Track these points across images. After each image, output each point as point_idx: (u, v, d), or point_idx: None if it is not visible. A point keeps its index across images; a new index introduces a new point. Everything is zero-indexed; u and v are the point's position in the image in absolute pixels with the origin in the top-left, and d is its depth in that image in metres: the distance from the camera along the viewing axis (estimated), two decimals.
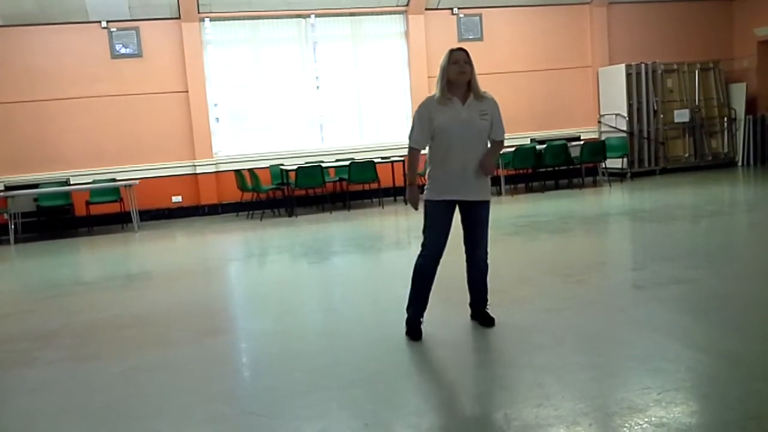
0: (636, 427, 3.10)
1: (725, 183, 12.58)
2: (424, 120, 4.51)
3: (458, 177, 4.52)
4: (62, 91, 12.28)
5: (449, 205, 4.58)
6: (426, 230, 4.64)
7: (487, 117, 4.60)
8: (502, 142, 4.74)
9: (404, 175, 4.62)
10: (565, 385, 3.59)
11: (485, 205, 4.68)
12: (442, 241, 4.63)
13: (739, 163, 14.71)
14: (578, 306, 5.09)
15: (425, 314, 4.69)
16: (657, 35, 14.77)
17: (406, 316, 4.69)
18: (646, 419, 3.14)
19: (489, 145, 4.65)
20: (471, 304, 4.86)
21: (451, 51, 4.53)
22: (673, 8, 14.86)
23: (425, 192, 4.60)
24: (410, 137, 4.59)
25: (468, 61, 4.52)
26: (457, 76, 4.47)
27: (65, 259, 9.62)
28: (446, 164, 4.52)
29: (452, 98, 4.51)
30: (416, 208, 4.66)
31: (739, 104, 14.63)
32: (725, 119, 14.63)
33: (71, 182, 12.29)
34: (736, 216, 9.46)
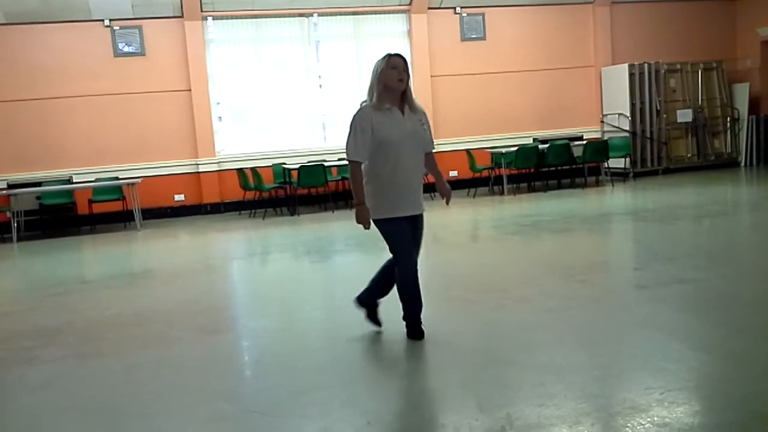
0: (638, 427, 3.09)
1: (728, 183, 12.56)
2: (366, 130, 4.21)
3: (408, 192, 4.35)
4: (65, 89, 12.29)
5: (406, 219, 4.41)
6: (396, 248, 4.42)
7: (426, 128, 4.45)
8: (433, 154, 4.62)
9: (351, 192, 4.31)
10: (568, 384, 3.59)
11: (423, 216, 4.58)
12: (413, 253, 4.50)
13: (742, 163, 14.68)
14: (581, 305, 5.08)
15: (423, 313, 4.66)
16: (660, 35, 14.76)
17: (404, 323, 4.59)
18: (648, 419, 3.14)
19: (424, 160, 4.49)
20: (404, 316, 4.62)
21: (389, 55, 4.32)
22: (676, 8, 14.84)
23: (371, 211, 4.33)
24: (349, 151, 4.25)
25: (406, 68, 4.32)
26: (397, 83, 4.24)
27: (68, 258, 9.63)
28: (395, 179, 4.29)
29: (391, 108, 4.28)
30: (368, 228, 4.38)
31: (742, 104, 14.61)
32: (728, 119, 14.61)
33: (74, 180, 12.30)
34: (738, 216, 9.45)
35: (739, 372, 3.64)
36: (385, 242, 4.48)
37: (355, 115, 4.30)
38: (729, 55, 15.07)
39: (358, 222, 4.35)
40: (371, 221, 4.36)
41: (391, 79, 4.26)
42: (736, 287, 5.33)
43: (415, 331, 4.55)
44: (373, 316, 4.80)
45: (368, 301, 4.78)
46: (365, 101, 4.36)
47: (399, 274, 4.48)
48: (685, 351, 4.00)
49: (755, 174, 13.50)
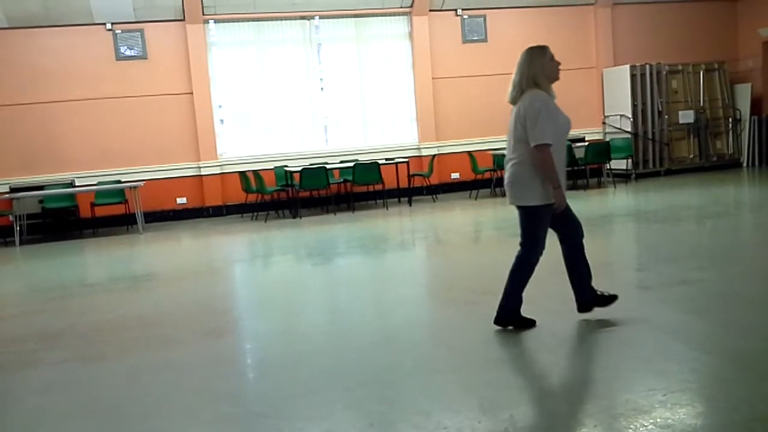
0: (641, 429, 3.09)
1: (730, 184, 12.55)
2: (553, 116, 4.32)
3: (564, 180, 4.46)
4: (67, 92, 12.32)
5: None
6: (538, 233, 4.47)
7: None
8: None
9: (540, 175, 4.25)
10: (570, 385, 3.59)
11: None
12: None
13: (744, 164, 14.67)
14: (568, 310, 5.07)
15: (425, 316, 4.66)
16: (661, 36, 14.75)
17: (508, 313, 4.58)
18: (651, 420, 3.14)
19: None
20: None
21: (547, 48, 4.46)
22: (678, 9, 14.83)
23: (538, 197, 4.37)
24: (544, 134, 4.26)
25: None
26: (557, 74, 4.44)
27: (70, 261, 9.64)
28: (560, 166, 4.40)
29: (553, 98, 4.43)
30: (562, 209, 4.43)
31: (744, 105, 14.59)
32: (730, 120, 14.60)
33: (76, 184, 12.32)
34: (741, 217, 9.44)
35: (741, 373, 3.64)
36: (522, 229, 4.53)
37: (537, 102, 4.33)
38: (730, 55, 15.06)
39: (559, 205, 4.38)
40: (526, 206, 4.43)
41: (554, 71, 4.45)
42: (738, 288, 5.33)
43: (522, 321, 4.59)
44: (604, 300, 4.70)
45: (588, 295, 4.69)
46: (518, 91, 4.43)
47: (531, 258, 4.53)
48: (688, 352, 4.00)
49: (757, 175, 13.48)
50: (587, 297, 4.67)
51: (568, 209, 4.55)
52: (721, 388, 3.48)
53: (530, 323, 4.60)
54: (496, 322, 4.60)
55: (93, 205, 12.03)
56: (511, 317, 4.61)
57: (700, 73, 14.35)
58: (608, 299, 4.69)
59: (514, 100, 4.49)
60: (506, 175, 4.56)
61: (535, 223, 4.47)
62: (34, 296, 7.36)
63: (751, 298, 4.99)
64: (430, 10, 13.55)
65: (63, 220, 12.35)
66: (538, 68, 4.41)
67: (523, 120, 4.33)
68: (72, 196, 12.12)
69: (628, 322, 4.65)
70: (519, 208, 4.51)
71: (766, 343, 4.06)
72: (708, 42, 14.97)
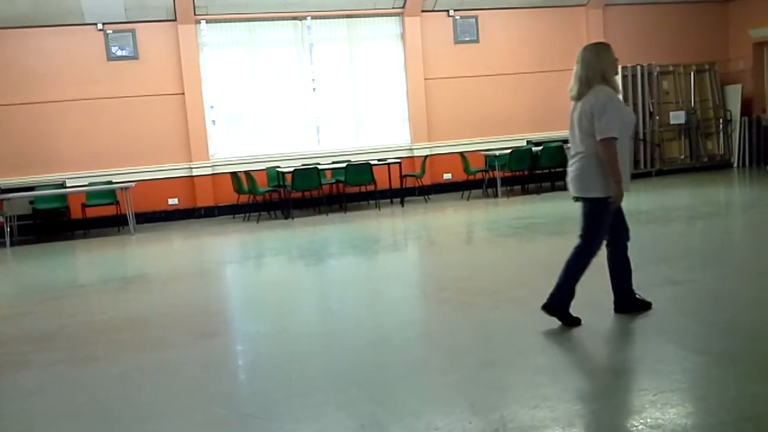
0: (632, 429, 3.11)
1: (721, 184, 12.61)
2: (619, 110, 4.40)
3: (627, 173, 4.52)
4: (58, 93, 12.26)
5: None
6: (600, 227, 4.55)
7: None
8: None
9: (602, 170, 4.38)
10: (562, 386, 3.60)
11: None
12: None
13: (735, 165, 14.73)
14: (574, 308, 5.08)
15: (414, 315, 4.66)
16: (653, 37, 14.79)
17: (556, 303, 4.59)
18: (641, 420, 3.15)
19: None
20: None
21: (609, 44, 4.53)
22: (669, 10, 14.89)
23: (603, 189, 4.43)
24: (611, 128, 4.33)
25: None
26: (617, 70, 4.55)
27: (61, 262, 9.61)
28: (624, 160, 4.47)
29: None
30: (618, 205, 4.52)
31: (735, 106, 14.65)
32: (721, 121, 14.66)
33: (67, 185, 12.26)
34: (731, 217, 9.49)
35: (731, 372, 3.66)
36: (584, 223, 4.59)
37: (604, 97, 4.38)
38: (721, 56, 15.12)
39: (617, 198, 4.45)
40: (590, 198, 4.48)
41: (616, 67, 4.54)
42: (729, 288, 5.35)
43: (570, 318, 4.60)
44: (642, 305, 4.77)
45: (627, 297, 4.75)
46: (585, 86, 4.46)
47: (583, 253, 4.57)
48: (679, 352, 4.02)
49: (748, 175, 13.55)
50: (626, 299, 4.73)
51: (620, 210, 4.64)
52: (711, 387, 3.50)
53: (576, 321, 4.59)
54: (545, 308, 4.62)
55: (84, 206, 11.98)
56: (559, 309, 4.61)
57: (691, 74, 14.41)
58: (647, 305, 4.75)
59: (579, 96, 4.53)
60: (571, 169, 4.62)
61: (598, 216, 4.52)
62: (25, 298, 7.33)
63: (741, 299, 5.02)
64: (422, 11, 13.56)
65: (54, 221, 12.30)
66: (605, 64, 4.48)
67: (591, 114, 4.40)
68: (63, 197, 12.07)
69: (619, 322, 4.67)
70: (582, 200, 4.56)
71: (757, 343, 4.08)
72: (699, 43, 15.03)
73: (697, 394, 3.47)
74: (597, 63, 4.45)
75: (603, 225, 4.53)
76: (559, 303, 4.58)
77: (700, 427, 3.10)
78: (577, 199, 4.63)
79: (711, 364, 3.80)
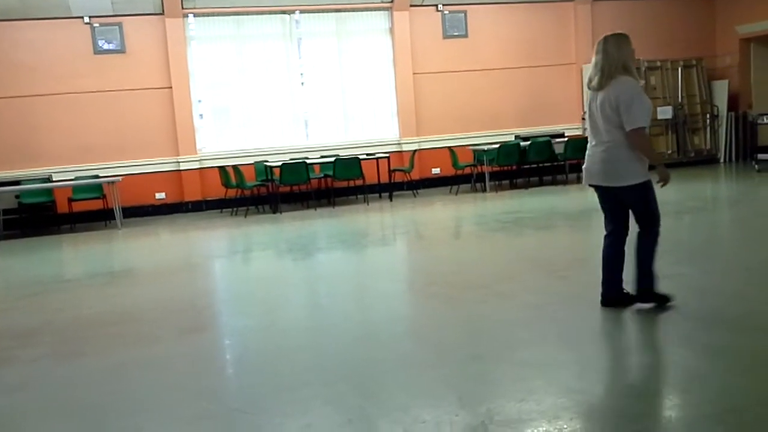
0: (617, 421, 3.13)
1: (708, 179, 12.69)
2: (644, 100, 4.49)
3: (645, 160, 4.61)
4: (44, 87, 12.18)
5: None
6: (652, 206, 4.65)
7: None
8: None
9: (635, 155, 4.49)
10: (548, 379, 3.61)
11: None
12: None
13: (721, 160, 14.84)
14: (561, 301, 5.12)
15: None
16: (640, 33, 14.73)
17: (645, 287, 4.66)
18: (626, 414, 3.17)
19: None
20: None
21: (628, 35, 4.57)
22: (657, 6, 14.95)
23: (640, 175, 4.54)
24: (642, 117, 4.44)
25: None
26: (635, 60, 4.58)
27: (47, 257, 9.55)
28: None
29: None
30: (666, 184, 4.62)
31: (722, 101, 14.76)
32: (708, 116, 14.75)
33: (53, 179, 12.19)
34: (718, 212, 9.55)
35: (715, 365, 3.69)
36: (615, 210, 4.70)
37: (631, 88, 4.45)
38: (708, 52, 15.21)
39: (665, 181, 4.59)
40: (631, 185, 4.55)
41: (635, 58, 4.58)
42: (715, 282, 5.39)
43: (659, 295, 4.68)
44: (626, 298, 4.79)
45: (613, 291, 4.78)
46: (607, 77, 4.50)
47: (648, 237, 4.64)
48: (664, 346, 4.05)
49: (734, 170, 13.65)
50: (614, 292, 4.77)
51: (627, 209, 4.70)
52: (695, 380, 3.52)
53: (666, 299, 4.68)
54: (637, 300, 4.69)
55: (70, 200, 11.91)
56: (649, 295, 4.68)
57: (678, 70, 14.48)
58: (632, 298, 4.78)
59: (600, 86, 4.56)
60: (597, 159, 4.65)
61: (645, 198, 4.61)
62: (10, 292, 7.27)
63: (727, 293, 5.05)
64: (411, 6, 13.55)
65: (40, 216, 12.23)
66: (626, 54, 4.53)
67: (616, 105, 4.44)
68: (49, 191, 12.00)
69: (605, 316, 4.69)
70: (620, 189, 4.60)
71: (741, 335, 4.11)
72: (686, 39, 15.10)
73: (682, 387, 3.50)
74: (619, 54, 4.50)
75: (653, 203, 4.64)
76: (645, 285, 4.66)
77: (683, 419, 3.12)
78: (597, 187, 4.71)
79: (695, 357, 3.83)
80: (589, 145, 4.77)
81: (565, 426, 3.08)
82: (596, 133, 4.65)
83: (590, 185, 4.77)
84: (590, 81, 4.65)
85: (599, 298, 4.81)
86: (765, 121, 13.13)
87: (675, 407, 3.27)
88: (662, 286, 4.71)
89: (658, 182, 4.56)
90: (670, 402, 3.32)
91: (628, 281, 4.75)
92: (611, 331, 4.51)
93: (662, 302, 4.67)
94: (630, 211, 4.71)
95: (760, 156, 12.88)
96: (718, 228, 8.35)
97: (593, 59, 4.61)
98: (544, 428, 3.08)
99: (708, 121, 14.77)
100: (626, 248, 4.73)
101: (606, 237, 4.80)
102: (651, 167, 4.63)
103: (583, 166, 4.81)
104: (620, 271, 4.76)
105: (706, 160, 14.72)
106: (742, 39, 14.70)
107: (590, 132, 4.73)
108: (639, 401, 3.28)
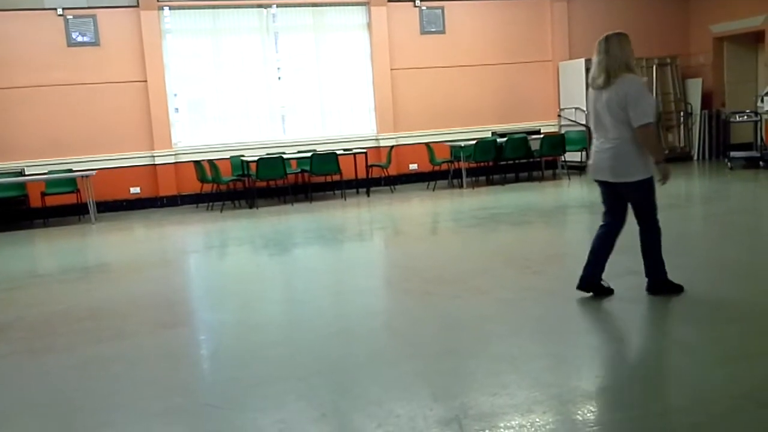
0: (588, 414, 3.16)
1: (681, 176, 12.81)
2: (649, 97, 4.60)
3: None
4: (17, 79, 11.98)
5: None
6: (653, 203, 4.81)
7: None
8: None
9: (649, 150, 4.68)
10: (521, 374, 3.64)
11: None
12: None
13: (695, 157, 15.01)
14: (536, 296, 5.16)
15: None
16: (616, 30, 14.95)
17: (659, 278, 4.83)
18: (599, 406, 3.20)
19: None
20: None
21: (627, 35, 4.70)
22: (632, 4, 15.06)
23: (644, 171, 4.63)
24: (649, 113, 4.53)
25: None
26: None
27: (19, 252, 9.42)
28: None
29: None
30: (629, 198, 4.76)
31: (695, 99, 14.92)
32: (682, 114, 14.91)
33: (26, 173, 12.01)
34: (691, 209, 9.67)
35: (687, 360, 3.74)
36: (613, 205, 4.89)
37: (637, 86, 4.57)
38: (682, 51, 15.36)
39: (667, 178, 4.69)
40: (637, 181, 4.66)
41: (634, 57, 4.72)
42: (687, 278, 5.44)
43: (672, 285, 4.84)
44: (603, 290, 4.92)
45: (594, 279, 4.89)
46: (610, 75, 4.61)
47: (651, 231, 4.84)
48: (636, 340, 4.09)
49: (707, 167, 13.82)
50: (593, 280, 4.89)
51: (627, 205, 4.85)
52: (667, 374, 3.57)
53: (680, 288, 4.84)
54: (651, 292, 4.81)
55: (43, 194, 11.74)
56: (663, 285, 4.81)
57: (653, 68, 14.60)
58: (609, 291, 4.91)
59: (604, 84, 4.66)
60: (606, 156, 4.74)
61: (648, 195, 4.75)
62: None
63: (699, 288, 5.11)
64: (389, 1, 13.52)
65: (12, 210, 12.04)
66: (628, 53, 4.67)
67: (623, 102, 4.53)
68: (22, 185, 11.83)
69: (579, 311, 4.74)
70: (626, 185, 4.71)
71: (712, 330, 4.17)
72: (661, 37, 15.24)
73: (653, 380, 3.54)
74: (621, 53, 4.64)
75: (654, 200, 4.79)
76: (658, 276, 4.81)
77: (656, 413, 3.16)
78: (601, 182, 4.86)
79: (668, 352, 3.87)
80: (595, 142, 4.88)
81: (537, 420, 3.11)
82: (603, 130, 4.76)
83: (596, 180, 4.89)
84: (594, 80, 4.76)
85: (574, 293, 4.86)
86: (738, 119, 13.32)
87: (648, 400, 3.31)
88: (635, 282, 4.76)
89: (659, 179, 4.67)
90: (643, 396, 3.36)
91: (623, 275, 4.81)
92: (585, 325, 4.55)
93: (677, 291, 4.81)
94: (629, 206, 4.83)
95: (733, 154, 13.06)
96: (692, 224, 8.45)
97: (595, 58, 4.74)
98: (517, 422, 3.10)
99: (682, 119, 14.92)
100: (627, 249, 4.85)
101: (601, 227, 4.98)
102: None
103: (589, 162, 4.93)
104: (604, 260, 4.89)
105: (679, 158, 14.87)
106: (716, 38, 14.87)
107: (595, 130, 4.86)
108: (611, 394, 3.32)
